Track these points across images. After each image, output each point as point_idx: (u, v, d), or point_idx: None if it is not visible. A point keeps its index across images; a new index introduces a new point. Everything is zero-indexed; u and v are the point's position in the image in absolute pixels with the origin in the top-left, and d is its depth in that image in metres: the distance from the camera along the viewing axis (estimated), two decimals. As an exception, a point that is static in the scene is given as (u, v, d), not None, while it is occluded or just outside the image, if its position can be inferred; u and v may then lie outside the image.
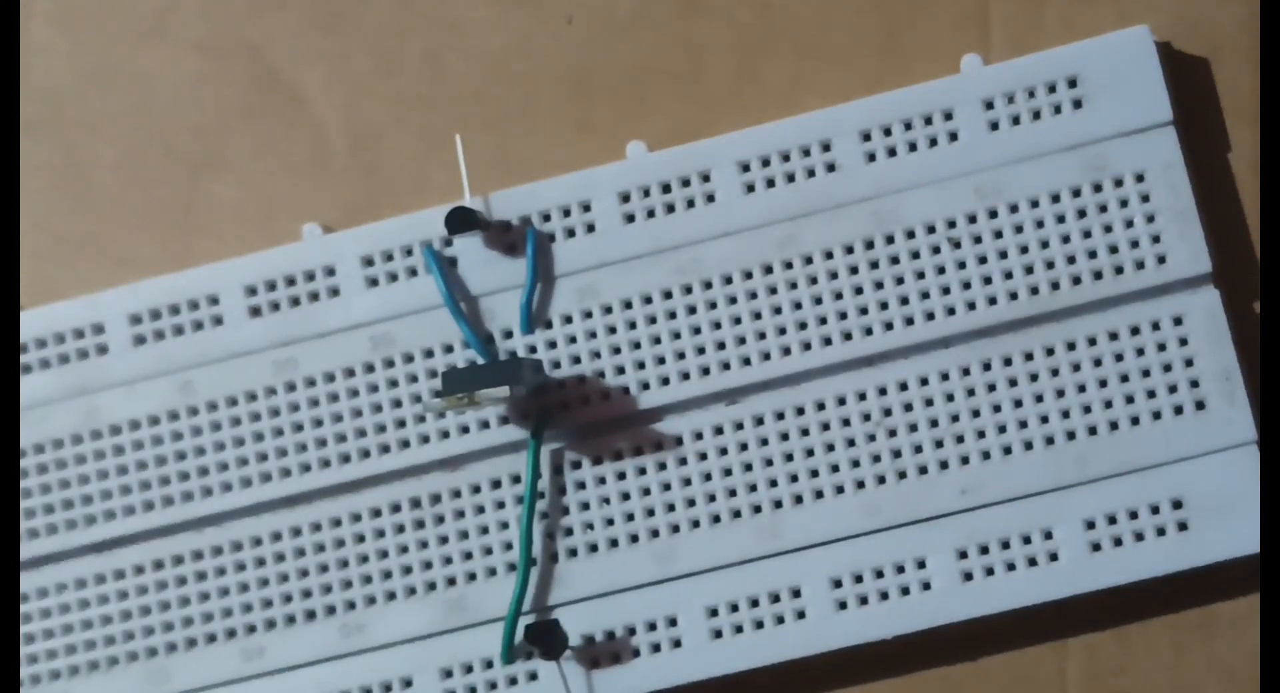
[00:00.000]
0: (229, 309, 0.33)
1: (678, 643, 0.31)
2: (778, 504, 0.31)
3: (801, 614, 0.31)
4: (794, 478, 0.31)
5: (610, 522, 0.32)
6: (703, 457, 0.31)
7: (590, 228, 0.32)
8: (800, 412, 0.31)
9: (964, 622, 0.30)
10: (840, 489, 0.31)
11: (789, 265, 0.32)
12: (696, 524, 0.31)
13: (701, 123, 0.33)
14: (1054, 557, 0.30)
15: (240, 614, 0.32)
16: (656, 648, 0.31)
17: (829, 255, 0.32)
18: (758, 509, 0.31)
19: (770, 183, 0.32)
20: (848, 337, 0.31)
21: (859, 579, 0.31)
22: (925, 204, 0.31)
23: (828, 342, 0.31)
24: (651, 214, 0.32)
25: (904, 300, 0.31)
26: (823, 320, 0.31)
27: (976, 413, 0.31)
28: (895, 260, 0.31)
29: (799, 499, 0.31)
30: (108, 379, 0.33)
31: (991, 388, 0.31)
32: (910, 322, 0.31)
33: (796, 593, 0.31)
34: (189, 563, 0.32)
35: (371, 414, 0.32)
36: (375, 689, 0.32)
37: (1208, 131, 0.32)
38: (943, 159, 0.31)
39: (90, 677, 0.32)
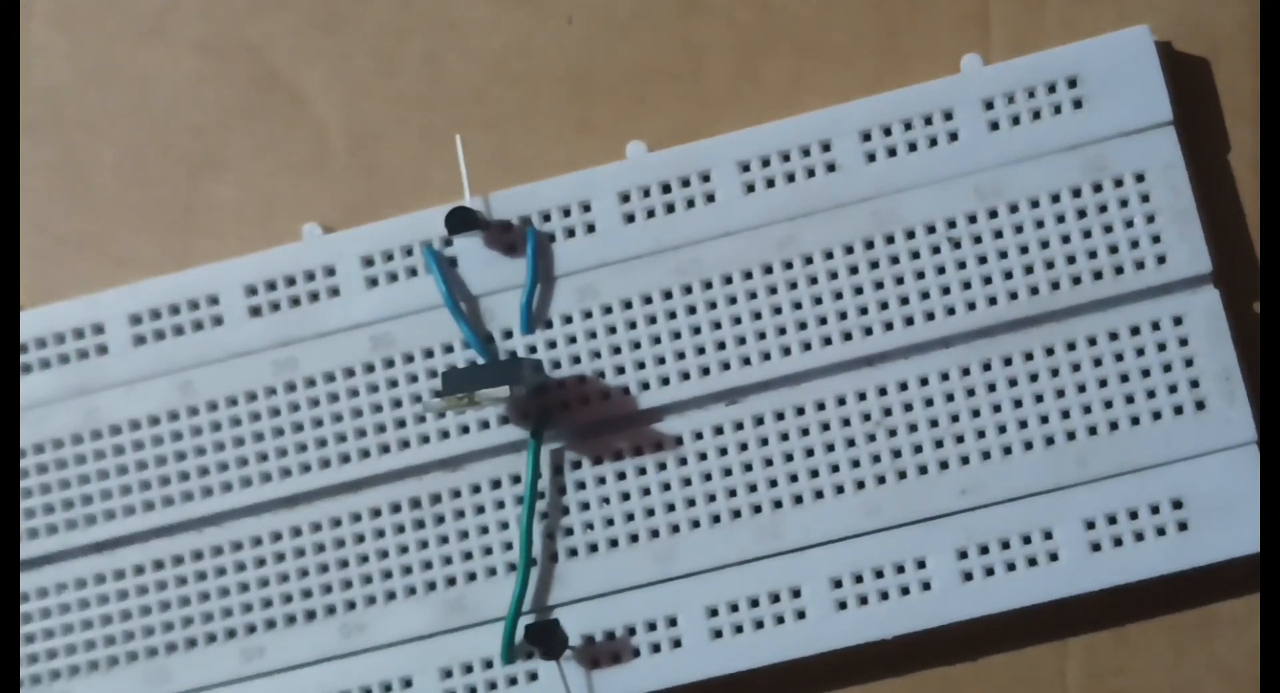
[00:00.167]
0: (229, 309, 0.33)
1: (678, 643, 0.31)
2: (778, 504, 0.31)
3: (801, 614, 0.31)
4: (794, 478, 0.31)
5: (610, 522, 0.32)
6: (703, 457, 0.31)
7: (590, 228, 0.32)
8: (800, 412, 0.31)
9: (964, 622, 0.30)
10: (840, 489, 0.31)
11: (789, 265, 0.32)
12: (696, 524, 0.31)
13: (701, 123, 0.33)
14: (1054, 557, 0.30)
15: (240, 614, 0.32)
16: (656, 648, 0.31)
17: (829, 255, 0.32)
18: (758, 509, 0.31)
19: (770, 183, 0.32)
20: (848, 337, 0.31)
21: (859, 579, 0.31)
22: (925, 204, 0.31)
23: (828, 342, 0.31)
24: (651, 214, 0.32)
25: (904, 300, 0.31)
26: (823, 320, 0.31)
27: (976, 413, 0.31)
28: (895, 260, 0.31)
29: (799, 499, 0.31)
30: (108, 379, 0.33)
31: (991, 388, 0.31)
32: (910, 322, 0.31)
33: (796, 593, 0.31)
34: (189, 563, 0.32)
35: (371, 414, 0.32)
36: (375, 689, 0.32)
37: (1208, 132, 0.32)
38: (943, 159, 0.31)
39: (90, 677, 0.32)
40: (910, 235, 0.31)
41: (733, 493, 0.31)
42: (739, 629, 0.31)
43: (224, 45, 0.34)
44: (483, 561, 0.32)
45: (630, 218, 0.32)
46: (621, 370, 0.32)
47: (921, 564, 0.31)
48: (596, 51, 0.34)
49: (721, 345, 0.32)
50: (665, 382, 0.32)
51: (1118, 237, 0.31)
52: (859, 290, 0.31)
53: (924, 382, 0.31)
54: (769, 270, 0.32)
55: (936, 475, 0.31)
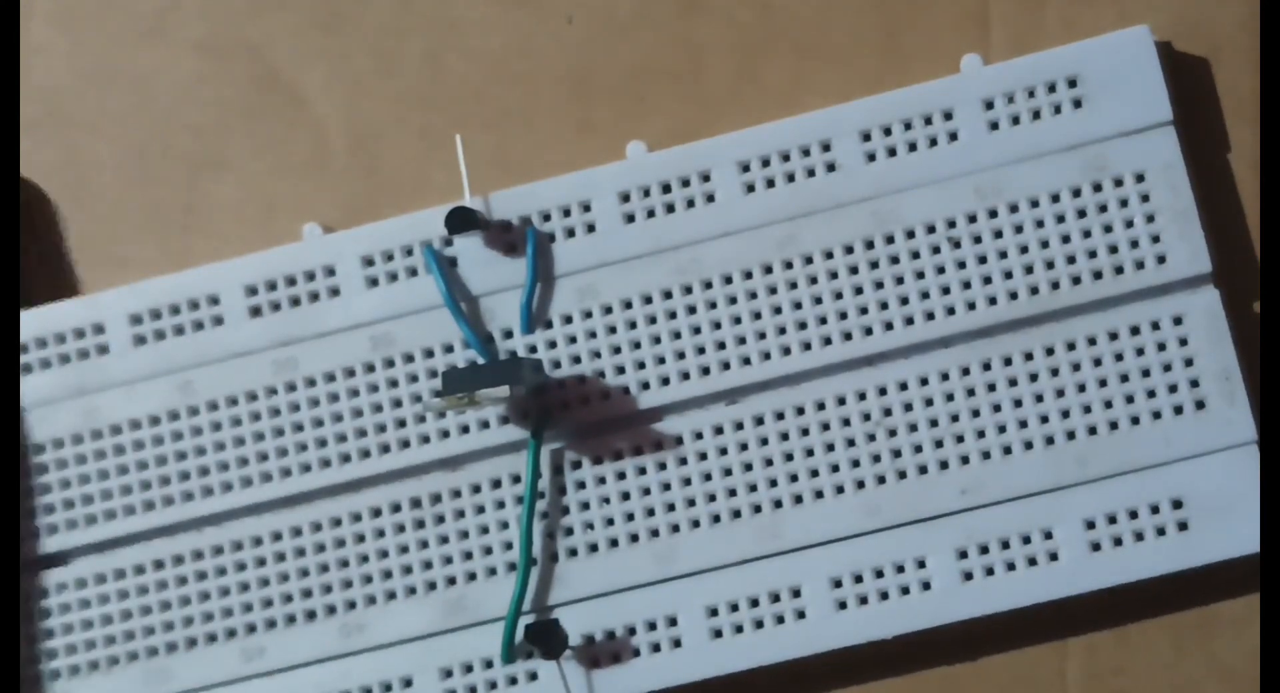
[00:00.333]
0: (229, 309, 0.33)
1: (678, 643, 0.31)
2: (778, 504, 0.31)
3: (801, 614, 0.31)
4: (794, 478, 0.31)
5: (610, 522, 0.32)
6: (703, 457, 0.31)
7: (590, 228, 0.32)
8: (800, 412, 0.31)
9: (964, 622, 0.30)
10: (840, 489, 0.31)
11: (789, 265, 0.32)
12: (696, 524, 0.31)
13: (701, 123, 0.33)
14: (1054, 557, 0.30)
15: (240, 614, 0.32)
16: (656, 648, 0.31)
17: (829, 255, 0.32)
18: (758, 509, 0.31)
19: (770, 183, 0.32)
20: (848, 337, 0.31)
21: (859, 579, 0.31)
22: (925, 204, 0.31)
23: (828, 342, 0.31)
24: (651, 214, 0.32)
25: (904, 300, 0.31)
26: (823, 320, 0.31)
27: (976, 413, 0.31)
28: (895, 260, 0.31)
29: (799, 499, 0.31)
30: (108, 379, 0.33)
31: (991, 388, 0.31)
32: (910, 322, 0.31)
33: (796, 593, 0.31)
34: (189, 563, 0.32)
35: (371, 414, 0.32)
36: (375, 689, 0.32)
37: (1208, 132, 0.32)
38: (943, 159, 0.31)
39: (90, 677, 0.32)
40: (910, 235, 0.31)
41: (733, 493, 0.31)
42: (739, 629, 0.31)
43: (224, 45, 0.34)
44: (483, 560, 0.32)
45: (630, 218, 0.32)
46: (621, 370, 0.32)
47: (921, 564, 0.31)
48: (596, 51, 0.34)
49: (721, 345, 0.32)
50: (665, 382, 0.32)
51: (1117, 236, 0.31)
52: (859, 290, 0.31)
53: (924, 381, 0.31)
54: (769, 270, 0.32)
55: (936, 475, 0.31)
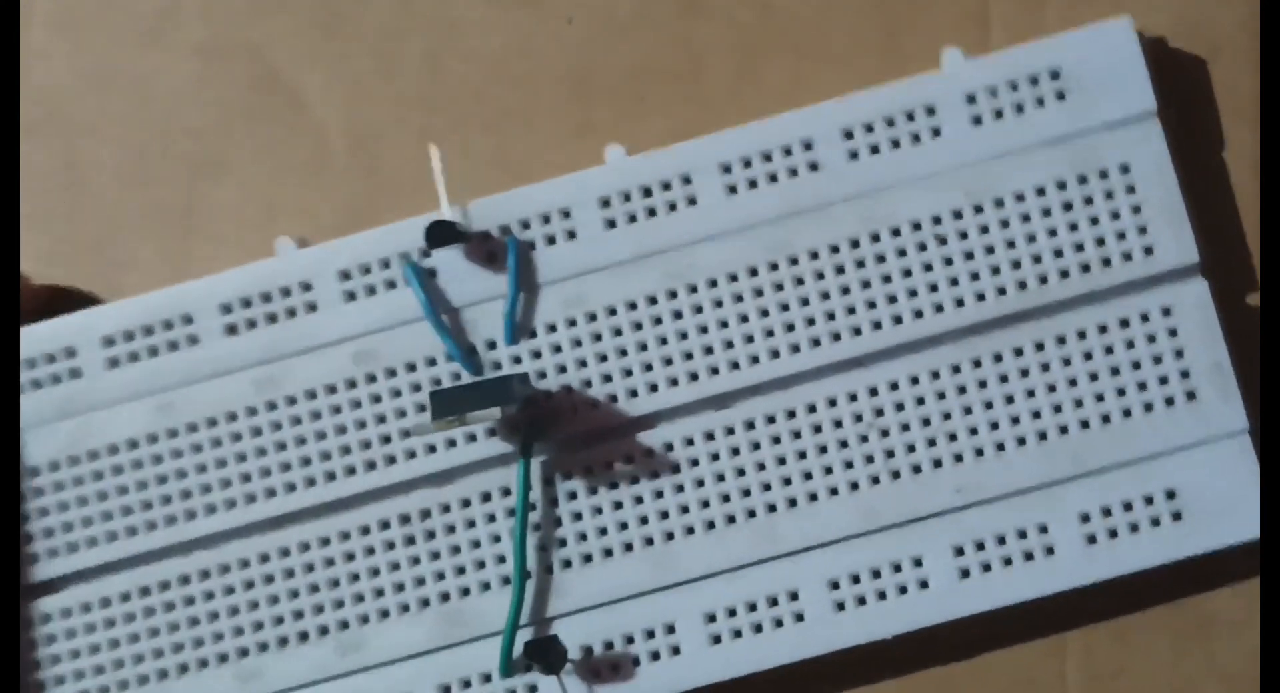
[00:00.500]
0: (204, 329, 0.32)
1: (677, 650, 0.31)
2: (772, 508, 0.31)
3: (800, 617, 0.31)
4: (788, 482, 0.31)
5: (604, 532, 0.31)
6: (694, 463, 0.31)
7: (572, 235, 0.32)
8: (791, 414, 0.31)
9: (963, 623, 0.30)
10: (835, 491, 0.31)
11: (775, 267, 0.31)
12: (691, 531, 0.31)
13: (701, 123, 0.32)
14: (1050, 551, 0.30)
15: (232, 638, 0.32)
16: (656, 656, 0.31)
17: (815, 256, 0.31)
18: (752, 514, 0.31)
19: (753, 184, 0.31)
20: (836, 338, 0.31)
21: (856, 580, 0.31)
22: (910, 202, 0.31)
23: (817, 343, 0.31)
24: (634, 219, 0.32)
25: (892, 299, 0.31)
26: (811, 322, 0.31)
27: (968, 410, 0.31)
28: (882, 259, 0.31)
29: (793, 503, 0.31)
30: (85, 404, 0.32)
31: (983, 385, 0.31)
32: (899, 321, 0.31)
33: (794, 596, 0.31)
34: (176, 588, 0.32)
35: (356, 431, 0.32)
36: (374, 708, 0.31)
37: (1205, 132, 0.32)
38: (927, 156, 0.31)
39: (83, 709, 0.32)
40: (896, 233, 0.31)
41: (726, 498, 0.31)
42: (738, 634, 0.31)
43: (224, 47, 0.34)
44: (476, 575, 0.31)
45: (612, 223, 0.32)
46: (609, 378, 0.32)
47: (918, 563, 0.31)
48: (596, 51, 0.33)
49: (709, 350, 0.31)
50: (654, 389, 0.31)
51: (1104, 229, 0.31)
52: (846, 291, 0.31)
53: (915, 380, 0.31)
54: (755, 273, 0.31)
55: (930, 474, 0.31)
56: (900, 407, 0.31)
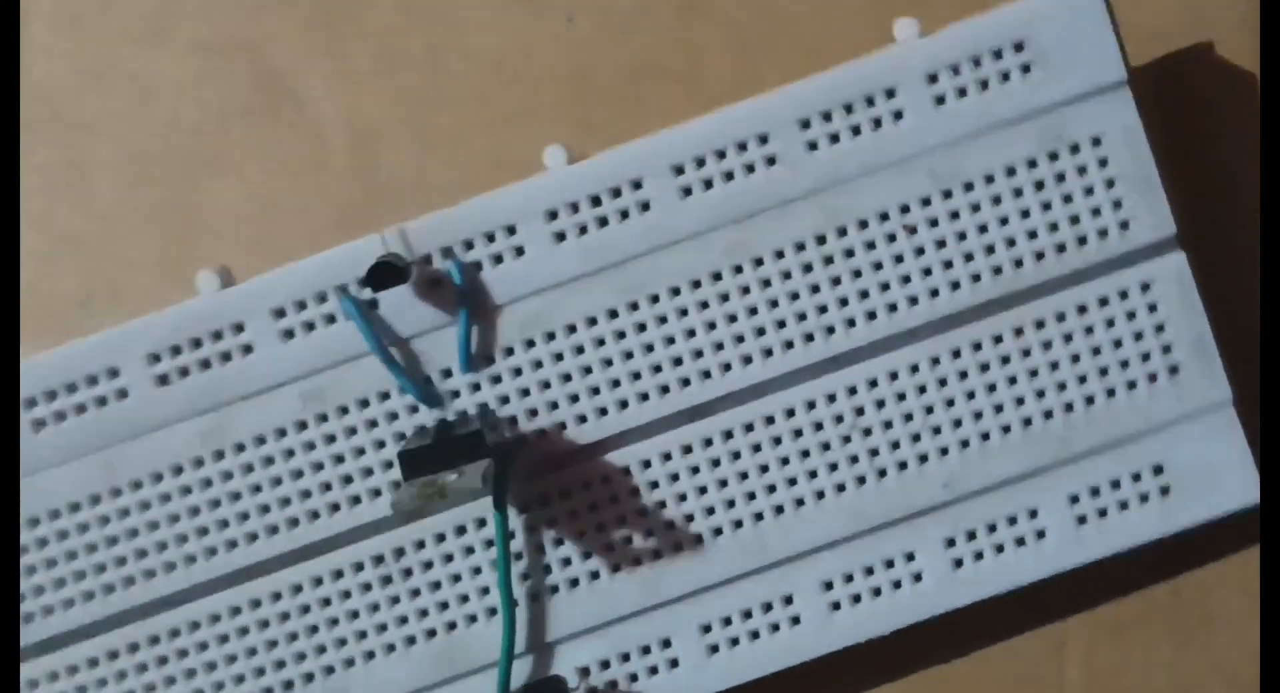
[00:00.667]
0: (133, 381, 0.30)
1: (675, 663, 0.31)
2: (759, 517, 0.30)
3: (796, 620, 0.30)
4: (772, 489, 0.30)
5: (588, 555, 0.30)
6: (674, 478, 0.30)
7: (520, 251, 0.30)
8: (770, 421, 0.30)
9: (963, 623, 0.30)
10: (821, 495, 0.30)
11: (739, 270, 0.30)
12: (678, 548, 0.30)
13: (701, 123, 0.31)
14: (1041, 535, 0.30)
15: (213, 694, 0.31)
16: (654, 671, 0.31)
17: (780, 255, 0.30)
18: (739, 525, 0.30)
19: (708, 184, 0.30)
20: (810, 338, 0.30)
21: (849, 579, 0.30)
22: (875, 191, 0.29)
23: (789, 346, 0.30)
24: (584, 231, 0.30)
25: (864, 294, 0.30)
26: (781, 324, 0.30)
27: (951, 403, 0.30)
28: (850, 254, 0.30)
29: (780, 510, 0.30)
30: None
31: (963, 375, 0.30)
32: (873, 316, 0.30)
33: (789, 600, 0.30)
34: (145, 650, 0.31)
35: (314, 473, 0.30)
36: (373, 757, 0.31)
37: (1201, 129, 0.30)
38: (889, 141, 0.29)
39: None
40: (863, 225, 0.30)
41: (710, 511, 0.30)
42: (734, 642, 0.31)
43: (224, 46, 0.33)
44: (460, 609, 0.31)
45: (561, 236, 0.30)
46: (576, 399, 0.30)
47: (911, 558, 0.30)
48: (596, 51, 0.32)
49: (679, 361, 0.30)
50: (624, 405, 0.30)
51: (1078, 206, 0.30)
52: (815, 289, 0.30)
53: (894, 376, 0.30)
54: (718, 278, 0.30)
55: (917, 471, 0.30)
56: (881, 404, 0.30)
